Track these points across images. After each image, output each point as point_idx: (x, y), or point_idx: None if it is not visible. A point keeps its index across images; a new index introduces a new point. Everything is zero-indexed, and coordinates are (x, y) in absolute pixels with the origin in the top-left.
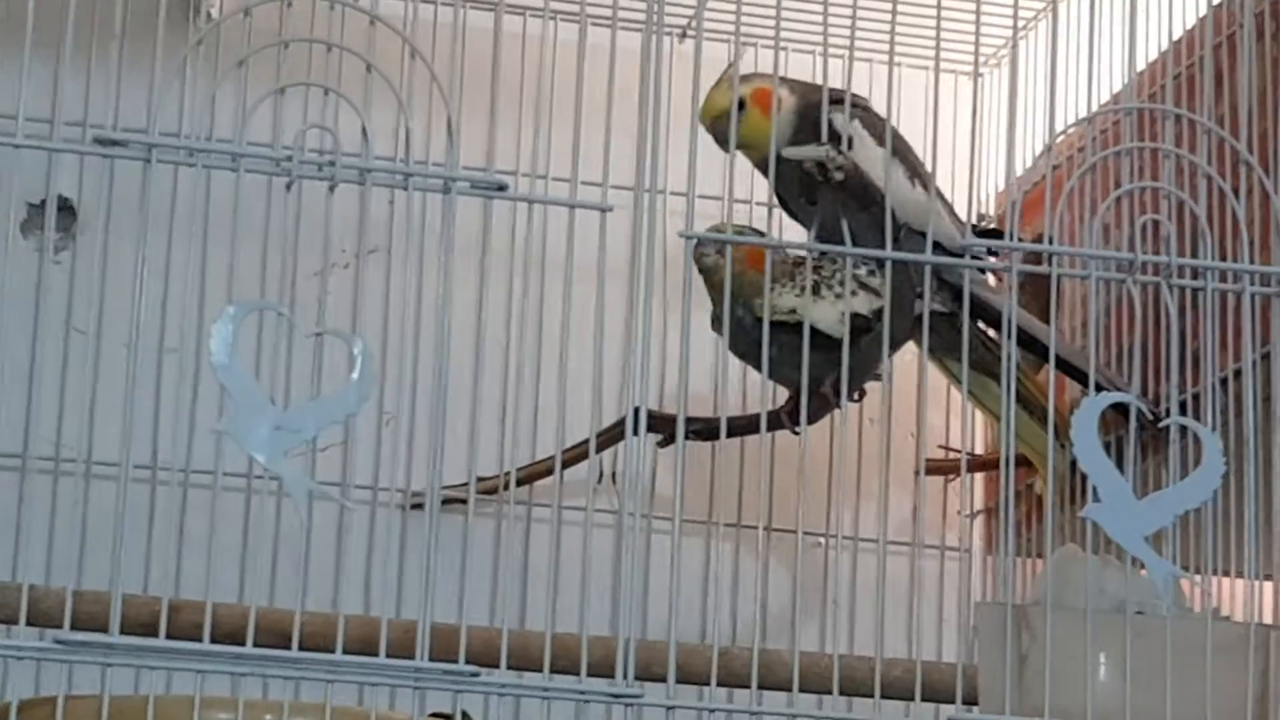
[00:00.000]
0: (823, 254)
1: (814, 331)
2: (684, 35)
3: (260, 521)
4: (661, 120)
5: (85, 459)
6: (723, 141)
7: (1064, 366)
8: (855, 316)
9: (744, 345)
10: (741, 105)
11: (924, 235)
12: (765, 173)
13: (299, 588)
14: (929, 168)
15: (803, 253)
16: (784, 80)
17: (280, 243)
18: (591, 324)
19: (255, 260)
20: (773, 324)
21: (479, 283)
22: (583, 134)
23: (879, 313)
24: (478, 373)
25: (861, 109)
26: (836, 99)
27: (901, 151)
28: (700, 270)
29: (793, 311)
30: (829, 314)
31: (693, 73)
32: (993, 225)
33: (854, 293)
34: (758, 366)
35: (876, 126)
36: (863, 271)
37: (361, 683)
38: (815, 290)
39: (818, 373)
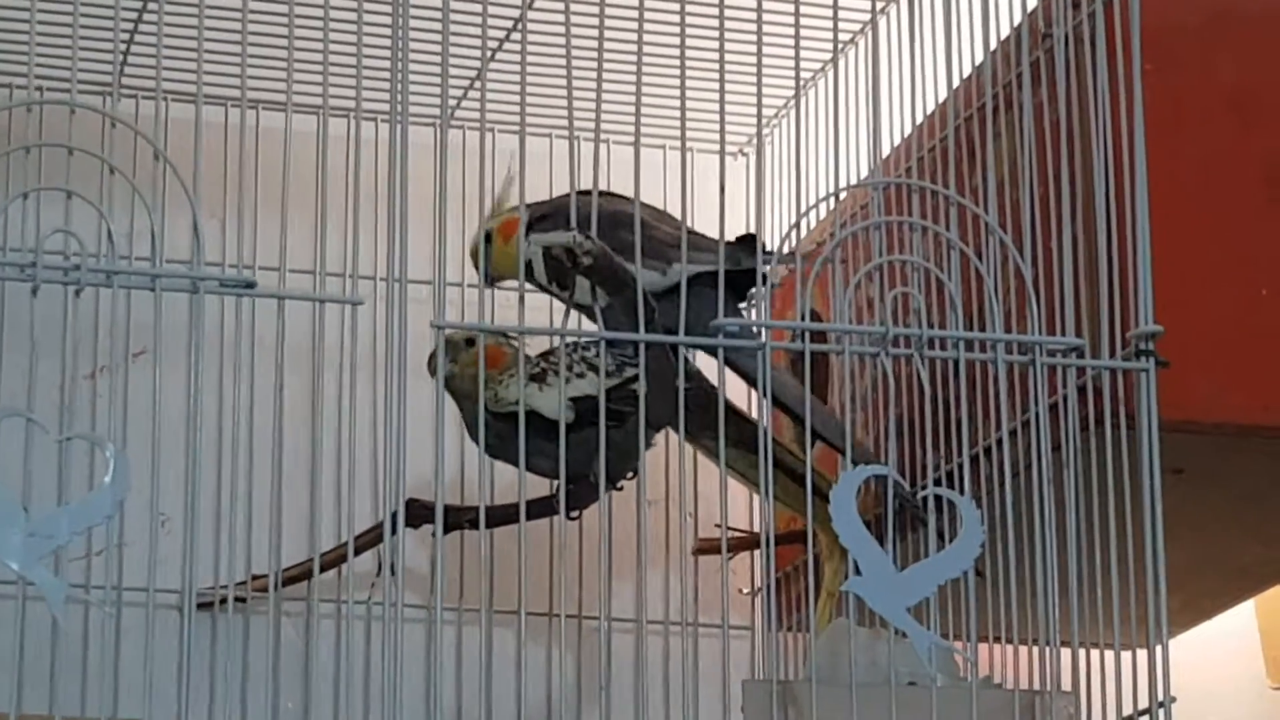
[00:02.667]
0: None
1: (560, 418)
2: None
3: (37, 628)
4: (411, 211)
5: None
6: (485, 279)
7: (825, 441)
8: (582, 399)
9: (494, 444)
10: (489, 239)
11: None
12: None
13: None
14: (682, 254)
15: (552, 344)
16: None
17: (34, 350)
18: (359, 417)
19: (19, 367)
20: (509, 416)
21: (235, 381)
22: (328, 228)
23: (614, 391)
24: (244, 471)
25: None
26: (546, 214)
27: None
28: (445, 379)
29: (517, 402)
30: (550, 400)
31: (435, 162)
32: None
33: (580, 375)
34: (512, 462)
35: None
36: (591, 353)
37: None
38: (541, 378)
39: (580, 459)
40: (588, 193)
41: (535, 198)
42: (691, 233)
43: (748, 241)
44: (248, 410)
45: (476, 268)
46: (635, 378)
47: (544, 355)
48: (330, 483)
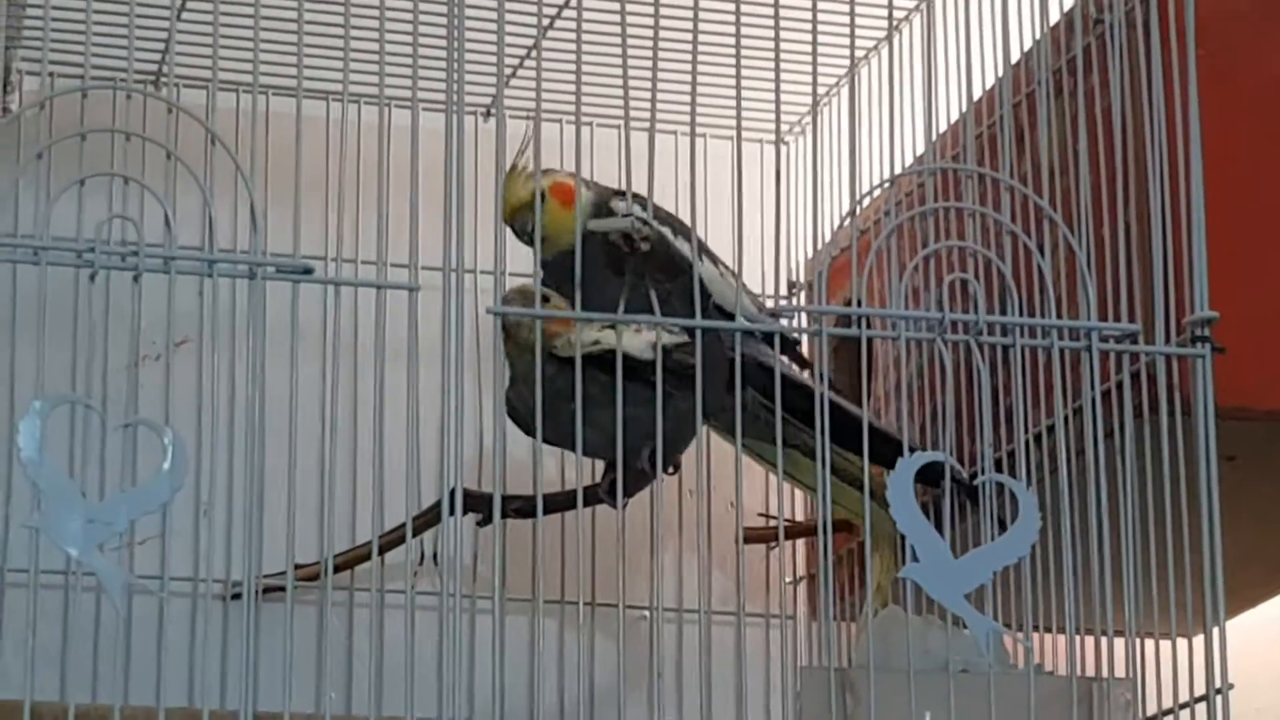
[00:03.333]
0: None
1: (625, 376)
2: (488, 114)
3: (79, 618)
4: (467, 199)
5: None
6: (521, 234)
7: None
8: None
9: (550, 421)
10: (542, 197)
11: (729, 314)
12: (553, 269)
13: (122, 683)
14: (734, 236)
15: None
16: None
17: (89, 336)
18: (405, 406)
19: (65, 355)
20: (583, 369)
21: (290, 368)
22: (388, 216)
23: (679, 347)
24: (292, 459)
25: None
26: (621, 193)
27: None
28: (505, 328)
29: (597, 343)
30: (636, 341)
31: (495, 151)
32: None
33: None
34: (566, 444)
35: (669, 219)
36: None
37: None
38: (612, 327)
39: (633, 446)
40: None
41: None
42: None
43: None
44: (290, 399)
45: (512, 225)
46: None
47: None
48: (368, 472)
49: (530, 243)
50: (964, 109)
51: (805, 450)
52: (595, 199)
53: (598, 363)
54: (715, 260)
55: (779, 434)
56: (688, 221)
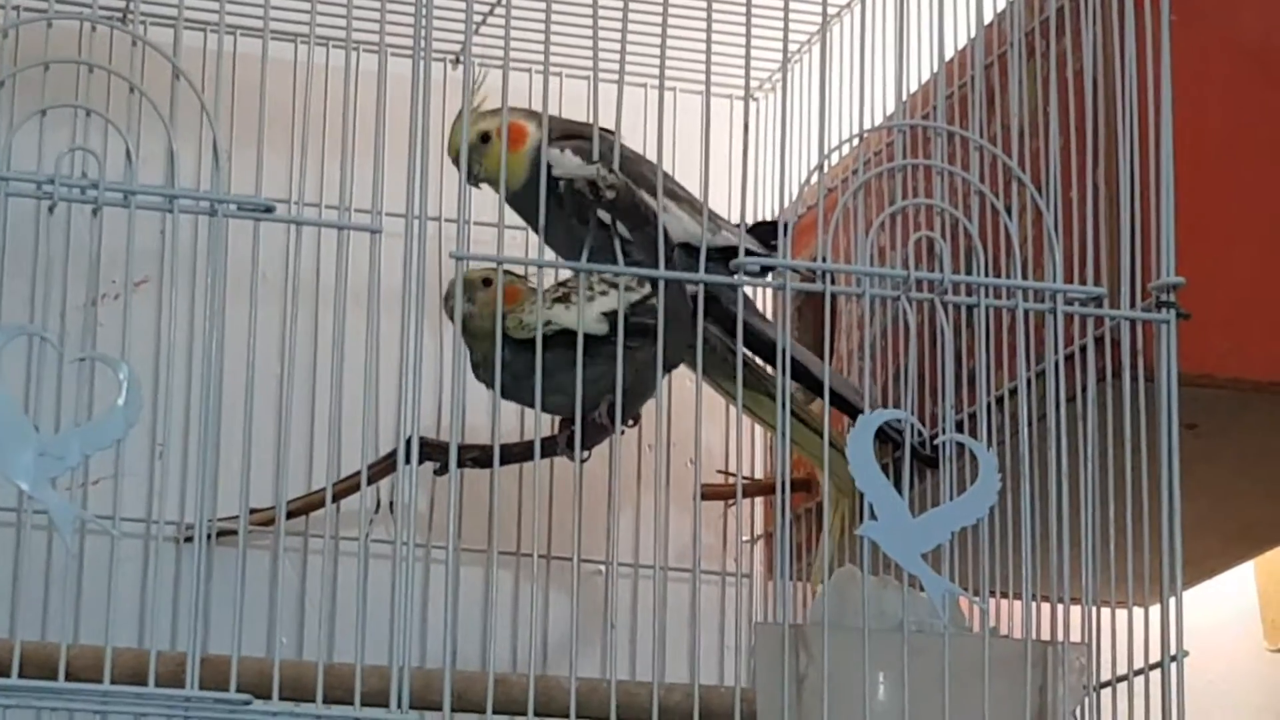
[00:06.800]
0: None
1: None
2: (457, 61)
3: (31, 554)
4: (432, 145)
5: None
6: (467, 175)
7: (835, 399)
8: (610, 314)
9: (508, 383)
10: (486, 138)
11: (697, 248)
12: (515, 204)
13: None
14: (701, 192)
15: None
16: (531, 113)
17: (47, 270)
18: (364, 351)
19: (23, 287)
20: (532, 344)
21: (250, 310)
22: (353, 160)
23: (637, 306)
24: (249, 402)
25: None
26: (570, 133)
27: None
28: (464, 319)
29: (549, 323)
30: (589, 314)
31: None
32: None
33: (604, 293)
34: (529, 403)
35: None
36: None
37: (133, 713)
38: (565, 299)
39: (591, 398)
40: (609, 131)
41: None
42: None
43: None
44: (249, 341)
45: (456, 163)
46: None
47: (560, 284)
48: (326, 417)
49: (474, 183)
50: (935, 69)
51: (770, 393)
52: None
53: (551, 341)
54: (680, 200)
55: (739, 379)
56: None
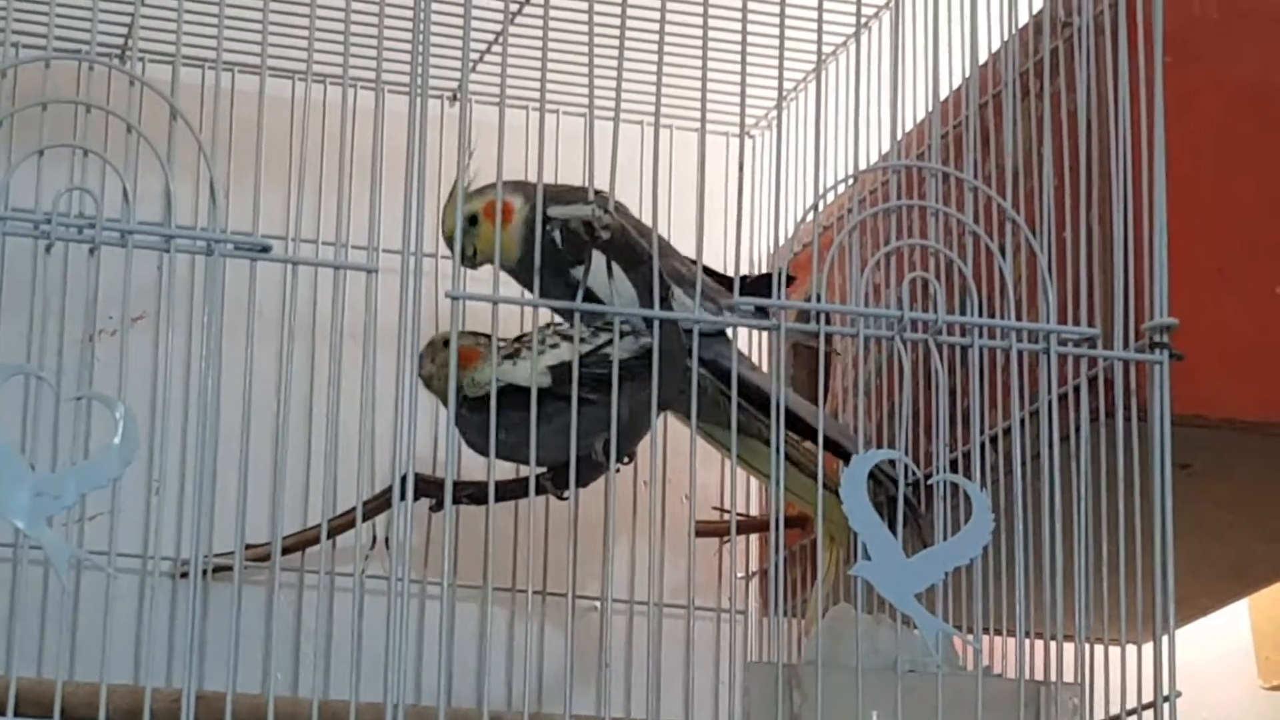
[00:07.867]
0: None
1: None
2: (454, 98)
3: (27, 591)
4: (429, 183)
5: None
6: (461, 258)
7: (828, 444)
8: (558, 366)
9: (477, 439)
10: (474, 221)
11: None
12: (514, 275)
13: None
14: (697, 230)
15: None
16: (517, 186)
17: (44, 308)
18: (360, 389)
19: (20, 326)
20: (485, 402)
21: (246, 346)
22: (350, 196)
23: (588, 357)
24: (245, 438)
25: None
26: (562, 198)
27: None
28: (423, 379)
29: (498, 380)
30: (524, 370)
31: (459, 135)
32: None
33: (555, 345)
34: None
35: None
36: (564, 326)
37: None
38: (515, 355)
39: (587, 437)
40: (599, 193)
41: (548, 177)
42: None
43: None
44: (245, 378)
45: (450, 246)
46: (609, 343)
47: (517, 338)
48: (322, 453)
49: (469, 264)
50: (930, 108)
51: (763, 439)
52: (529, 214)
53: (503, 397)
54: (673, 256)
55: (734, 424)
56: (649, 216)
